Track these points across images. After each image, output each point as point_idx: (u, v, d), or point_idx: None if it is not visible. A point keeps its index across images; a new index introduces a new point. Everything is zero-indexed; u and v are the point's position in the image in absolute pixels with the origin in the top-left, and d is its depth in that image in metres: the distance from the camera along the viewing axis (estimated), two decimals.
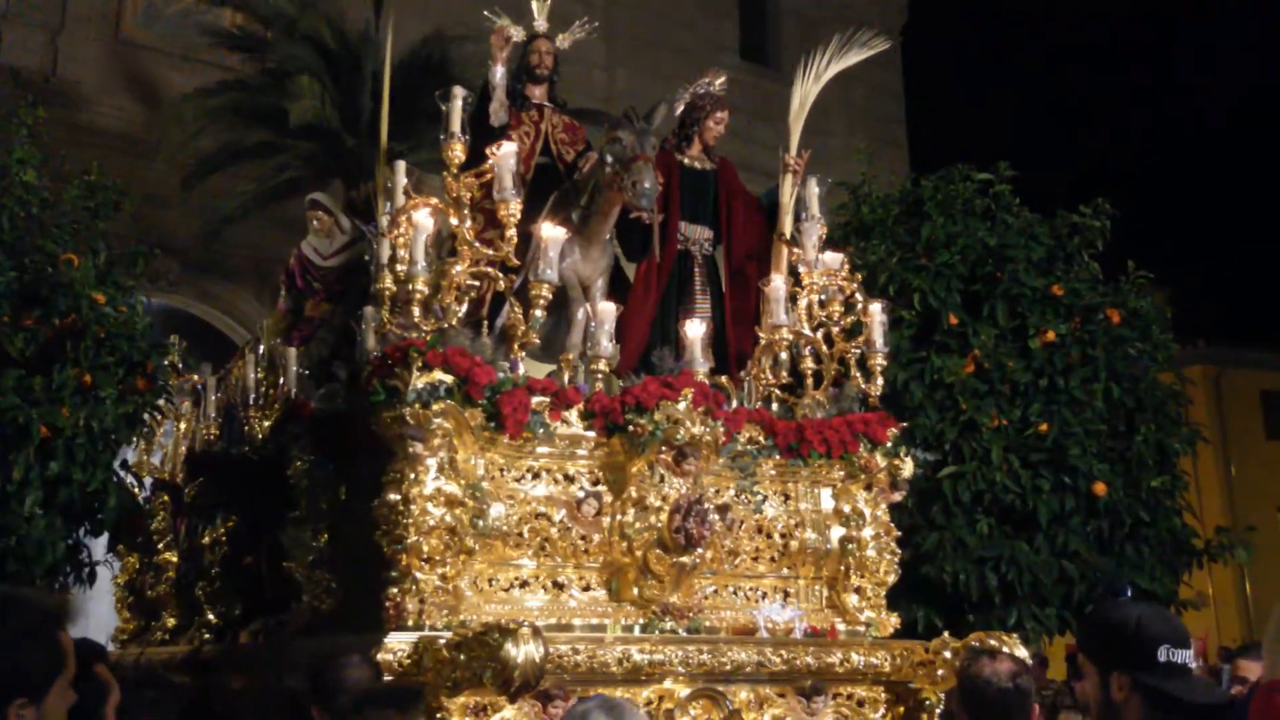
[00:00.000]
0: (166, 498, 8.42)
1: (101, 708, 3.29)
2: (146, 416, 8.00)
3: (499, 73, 6.66)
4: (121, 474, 8.13)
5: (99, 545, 8.44)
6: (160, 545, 8.39)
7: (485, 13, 6.91)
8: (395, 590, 4.91)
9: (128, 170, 10.64)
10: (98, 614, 13.88)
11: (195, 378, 9.57)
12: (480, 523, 5.06)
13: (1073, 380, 8.68)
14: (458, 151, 5.52)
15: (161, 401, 8.32)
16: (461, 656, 4.40)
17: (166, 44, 14.22)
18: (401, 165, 5.56)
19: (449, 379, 5.00)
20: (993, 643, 5.45)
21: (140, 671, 7.65)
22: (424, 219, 5.26)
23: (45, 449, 6.85)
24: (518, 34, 6.81)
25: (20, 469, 6.74)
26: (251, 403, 7.09)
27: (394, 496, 4.93)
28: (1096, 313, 9.02)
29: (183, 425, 9.24)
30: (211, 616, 7.18)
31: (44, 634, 2.29)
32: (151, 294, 11.26)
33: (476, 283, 5.45)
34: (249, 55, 12.73)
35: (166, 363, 8.52)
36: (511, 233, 5.41)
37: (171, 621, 8.19)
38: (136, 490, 9.03)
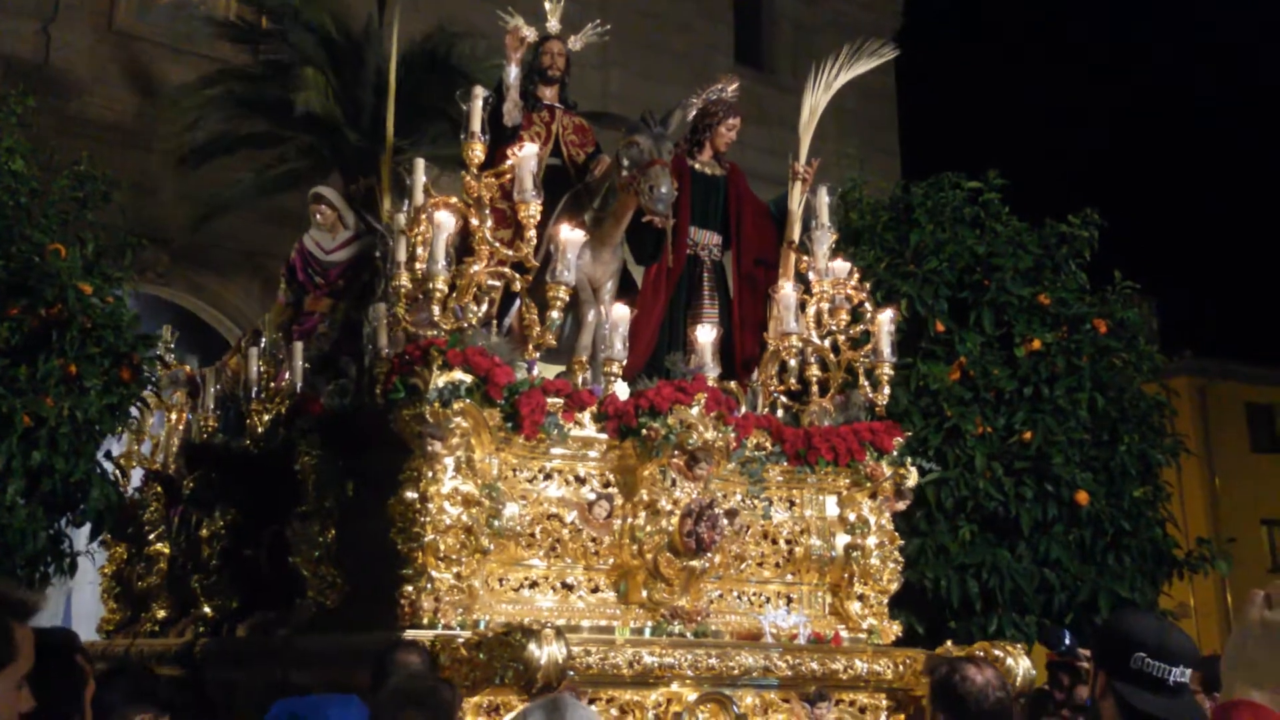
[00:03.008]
0: (159, 488, 8.34)
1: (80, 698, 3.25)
2: (132, 409, 7.94)
3: (513, 73, 6.65)
4: (105, 465, 8.07)
5: (81, 535, 8.37)
6: (152, 536, 8.30)
7: (498, 13, 6.90)
8: (410, 588, 4.91)
9: (118, 161, 10.52)
10: (79, 603, 13.80)
11: (188, 369, 9.51)
12: (495, 522, 5.07)
13: (1058, 389, 8.78)
14: (478, 151, 5.53)
15: (146, 393, 8.26)
16: (481, 656, 4.42)
17: (159, 34, 14.13)
18: (420, 163, 5.54)
19: (469, 378, 5.01)
20: (997, 653, 5.53)
21: (116, 661, 7.57)
22: (445, 218, 5.25)
23: (29, 438, 6.79)
24: (531, 35, 6.81)
25: (3, 458, 6.68)
26: (254, 396, 7.03)
27: (411, 494, 4.93)
28: (1083, 323, 9.11)
29: (173, 415, 9.17)
30: (207, 610, 7.11)
31: None
32: (140, 285, 11.17)
33: (497, 283, 5.44)
34: (248, 46, 12.64)
35: (155, 354, 8.47)
36: (531, 233, 5.42)
37: (162, 613, 8.11)
38: (124, 481, 8.95)
